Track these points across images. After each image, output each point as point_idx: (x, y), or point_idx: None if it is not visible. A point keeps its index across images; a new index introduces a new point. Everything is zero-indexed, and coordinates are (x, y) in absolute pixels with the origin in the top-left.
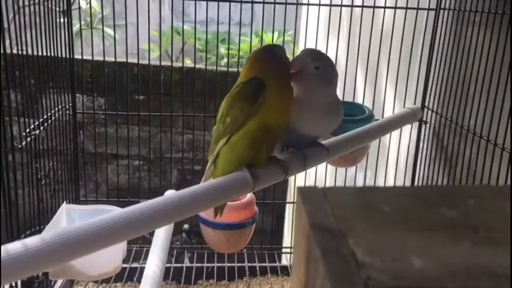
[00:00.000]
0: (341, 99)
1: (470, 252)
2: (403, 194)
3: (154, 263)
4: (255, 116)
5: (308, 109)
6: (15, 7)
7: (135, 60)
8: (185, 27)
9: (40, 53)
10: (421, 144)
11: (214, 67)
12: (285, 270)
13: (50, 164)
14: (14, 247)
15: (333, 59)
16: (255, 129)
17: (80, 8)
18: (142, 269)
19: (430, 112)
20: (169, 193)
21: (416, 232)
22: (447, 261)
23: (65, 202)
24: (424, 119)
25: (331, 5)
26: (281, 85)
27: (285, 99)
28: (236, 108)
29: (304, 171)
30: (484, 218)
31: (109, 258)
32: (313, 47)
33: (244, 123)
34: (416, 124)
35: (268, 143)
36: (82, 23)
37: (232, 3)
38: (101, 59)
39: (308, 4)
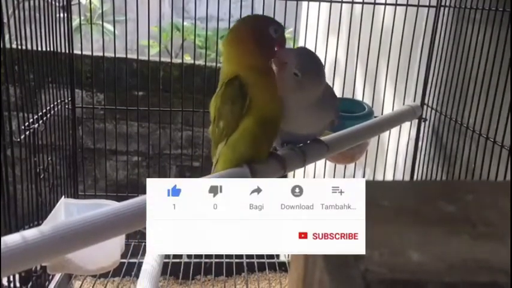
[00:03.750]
0: (340, 95)
1: (468, 246)
2: (402, 189)
3: (152, 258)
4: (248, 114)
5: (284, 107)
6: (15, 2)
7: (134, 56)
8: (185, 23)
9: (39, 48)
10: (420, 142)
11: (214, 64)
12: (283, 266)
13: (49, 159)
14: (12, 239)
15: (333, 56)
16: (253, 125)
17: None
18: (140, 264)
19: (429, 109)
20: None
21: (415, 226)
22: (445, 255)
23: (63, 197)
24: (424, 116)
25: (331, 2)
26: (264, 74)
27: (271, 86)
28: (226, 110)
29: (303, 168)
30: (482, 213)
31: (107, 253)
32: (313, 44)
33: (239, 122)
34: (415, 121)
35: (269, 136)
36: (82, 18)
37: (232, 0)
38: (101, 54)
39: (308, 0)
